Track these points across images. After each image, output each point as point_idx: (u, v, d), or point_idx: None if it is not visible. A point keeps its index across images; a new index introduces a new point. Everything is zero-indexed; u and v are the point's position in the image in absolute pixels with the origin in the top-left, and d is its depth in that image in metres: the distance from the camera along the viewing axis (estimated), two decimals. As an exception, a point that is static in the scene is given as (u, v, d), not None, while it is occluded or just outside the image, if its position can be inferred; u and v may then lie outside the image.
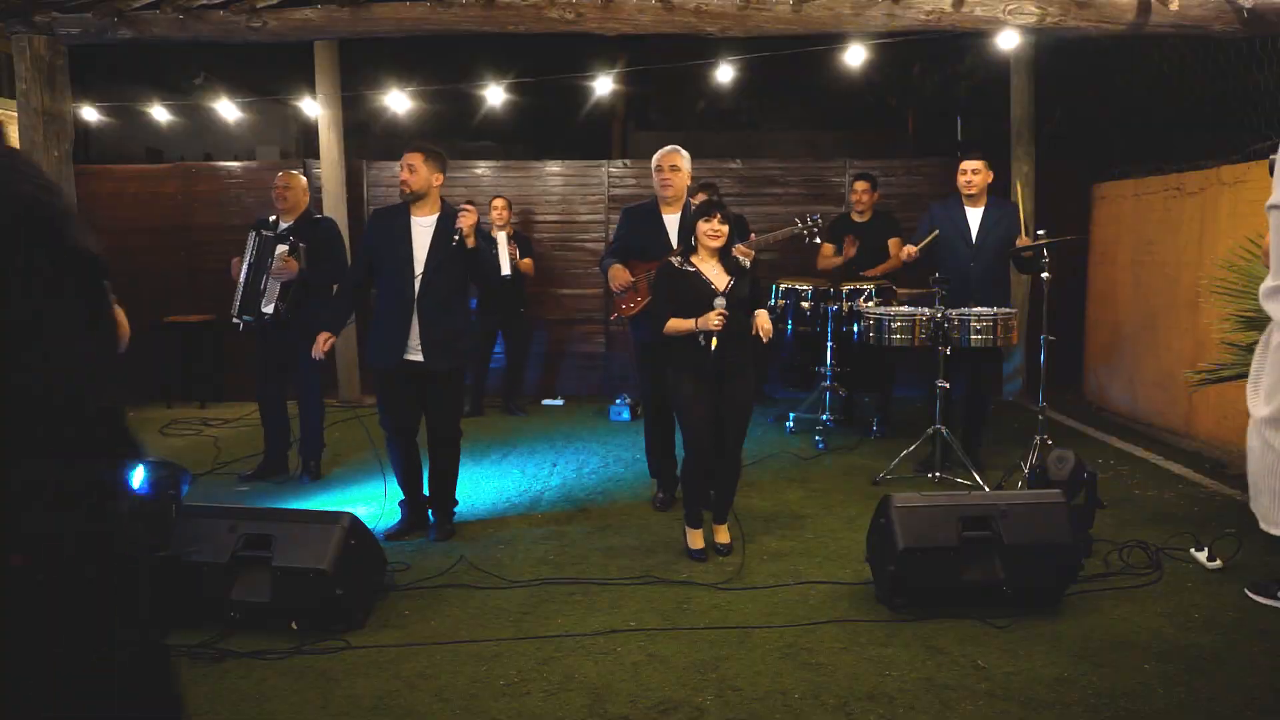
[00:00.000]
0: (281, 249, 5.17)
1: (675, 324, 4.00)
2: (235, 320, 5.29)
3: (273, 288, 5.19)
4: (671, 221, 4.70)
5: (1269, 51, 5.73)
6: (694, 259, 4.09)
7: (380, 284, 4.36)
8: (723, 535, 4.26)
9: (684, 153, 4.68)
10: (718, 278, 4.05)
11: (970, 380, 5.48)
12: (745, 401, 4.12)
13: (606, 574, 3.99)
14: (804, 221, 5.35)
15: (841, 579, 3.90)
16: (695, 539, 4.19)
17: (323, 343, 4.33)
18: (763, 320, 4.06)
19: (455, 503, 4.61)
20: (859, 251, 6.59)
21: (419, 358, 4.29)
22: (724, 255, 4.09)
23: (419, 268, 4.27)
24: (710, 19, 4.16)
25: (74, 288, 1.25)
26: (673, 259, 4.14)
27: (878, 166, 8.18)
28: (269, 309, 5.19)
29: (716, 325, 3.85)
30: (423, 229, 4.29)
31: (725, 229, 4.01)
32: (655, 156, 4.68)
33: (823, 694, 2.94)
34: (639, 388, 5.00)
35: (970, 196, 5.36)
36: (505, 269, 7.00)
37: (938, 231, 5.31)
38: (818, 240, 5.47)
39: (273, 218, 5.41)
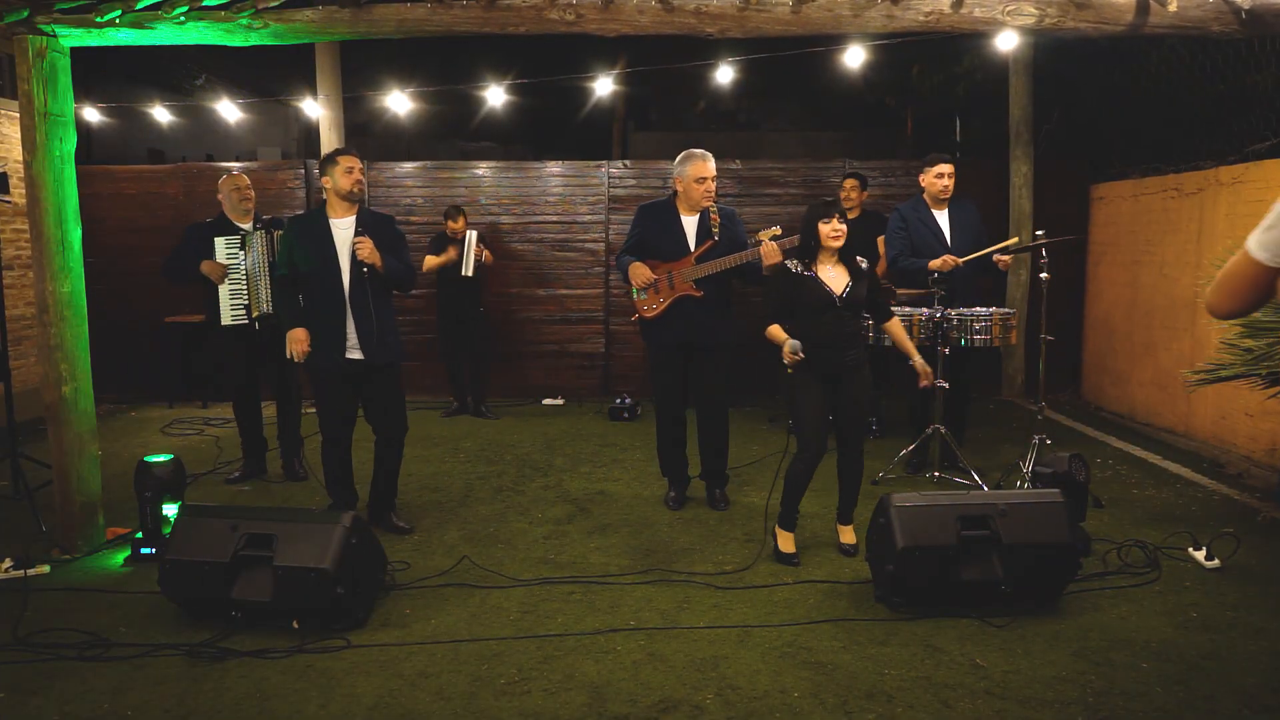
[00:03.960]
0: None
1: (774, 333, 4.02)
2: (245, 320, 5.25)
3: None
4: (690, 223, 4.72)
5: (1267, 52, 5.75)
6: (814, 263, 4.06)
7: (309, 285, 4.37)
8: (848, 535, 4.25)
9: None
10: (836, 280, 4.04)
11: (952, 378, 5.49)
12: (860, 400, 4.11)
13: (606, 574, 4.01)
14: None
15: (841, 578, 3.91)
16: (787, 542, 4.16)
17: (306, 340, 4.33)
18: (920, 364, 4.17)
19: (396, 493, 4.73)
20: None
21: (359, 355, 4.35)
22: (844, 256, 4.09)
23: (345, 266, 4.32)
24: (709, 20, 4.17)
25: None
26: (788, 262, 4.12)
27: (877, 166, 8.20)
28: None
29: (786, 361, 3.92)
30: (342, 230, 4.35)
31: (845, 229, 4.02)
32: (701, 165, 4.62)
33: (822, 693, 2.95)
34: (652, 391, 5.00)
35: (940, 200, 5.40)
36: (469, 269, 7.11)
37: (1018, 239, 5.29)
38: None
39: (209, 219, 5.41)
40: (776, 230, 4.51)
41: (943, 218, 5.42)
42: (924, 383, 4.24)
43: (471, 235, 7.15)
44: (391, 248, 4.41)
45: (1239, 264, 1.83)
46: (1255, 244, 1.79)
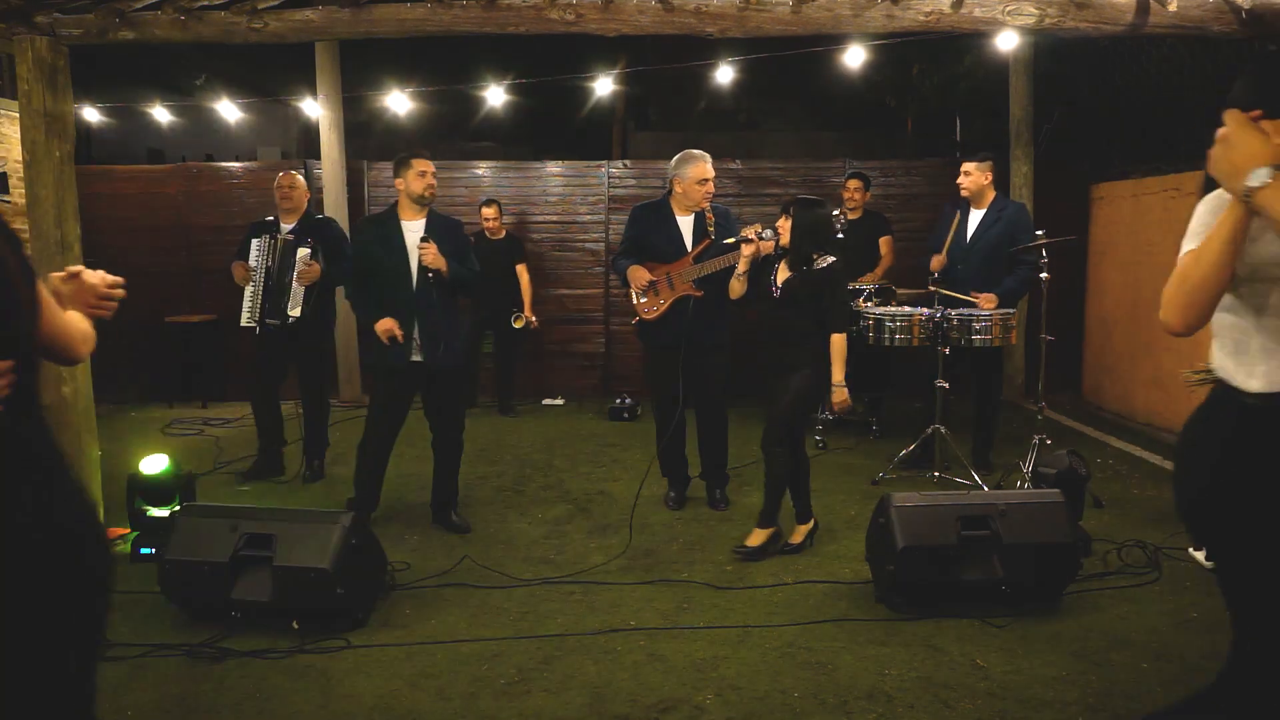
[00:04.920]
0: (304, 252, 5.22)
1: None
2: (253, 324, 5.27)
3: (297, 291, 5.23)
4: (686, 223, 4.74)
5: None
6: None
7: (381, 285, 4.41)
8: (755, 538, 4.21)
9: None
10: (782, 274, 4.14)
11: (977, 383, 5.50)
12: (782, 403, 4.07)
13: (606, 574, 4.00)
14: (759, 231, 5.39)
15: (841, 578, 3.91)
16: (754, 537, 4.21)
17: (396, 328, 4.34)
18: (837, 394, 4.01)
19: (458, 492, 4.74)
20: (850, 251, 6.60)
21: (420, 358, 4.41)
22: (795, 251, 4.10)
23: (414, 269, 4.39)
24: (710, 20, 4.16)
25: None
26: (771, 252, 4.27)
27: (877, 167, 8.20)
28: (295, 312, 5.23)
29: (749, 234, 4.19)
30: (413, 234, 4.41)
31: (786, 225, 4.09)
32: (703, 167, 4.64)
33: (822, 693, 2.95)
34: (650, 392, 5.01)
35: (966, 198, 5.38)
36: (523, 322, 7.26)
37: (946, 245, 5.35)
38: (839, 235, 5.46)
39: (270, 218, 5.43)
40: (758, 227, 4.52)
41: (974, 216, 5.38)
42: (836, 410, 4.10)
43: (521, 319, 7.29)
44: (458, 253, 4.44)
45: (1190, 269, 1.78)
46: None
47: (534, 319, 7.41)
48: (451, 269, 4.37)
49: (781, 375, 4.10)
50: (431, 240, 4.31)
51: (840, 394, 4.02)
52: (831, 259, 4.08)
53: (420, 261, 4.32)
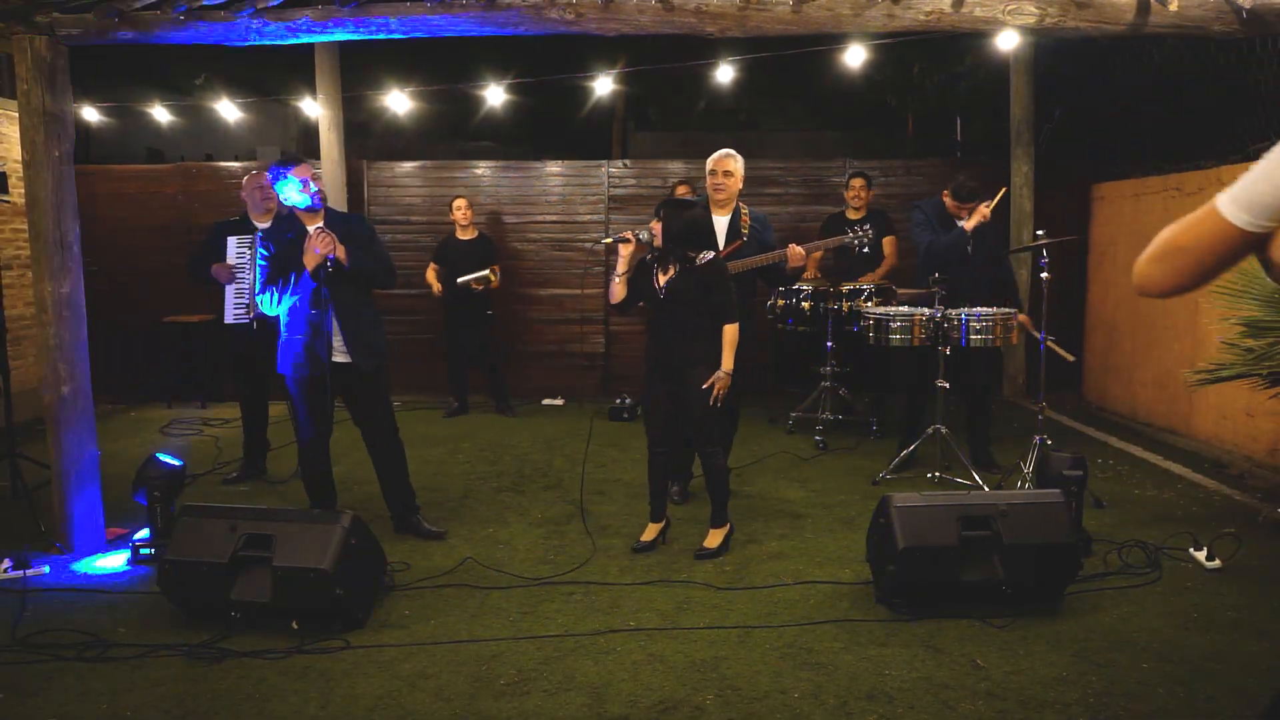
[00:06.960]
0: None
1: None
2: (249, 319, 5.26)
3: None
4: (720, 223, 4.78)
5: (1268, 51, 5.74)
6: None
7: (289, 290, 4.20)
8: (710, 539, 4.24)
9: (738, 157, 4.78)
10: (661, 275, 4.16)
11: (969, 380, 5.50)
12: (697, 401, 4.09)
13: (606, 574, 4.00)
14: (855, 233, 5.41)
15: (841, 579, 3.90)
16: (647, 532, 4.31)
17: None
18: (721, 380, 4.05)
19: (414, 494, 4.60)
20: (855, 251, 6.60)
21: (344, 359, 4.26)
22: (668, 253, 4.13)
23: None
24: (710, 19, 4.16)
25: None
26: (649, 255, 4.24)
27: (877, 166, 8.19)
28: None
29: (627, 235, 4.16)
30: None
31: (658, 227, 4.10)
32: (710, 160, 4.78)
33: (822, 694, 2.94)
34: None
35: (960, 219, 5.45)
36: (462, 280, 7.11)
37: (1006, 189, 5.34)
38: (865, 250, 5.53)
39: (235, 218, 5.45)
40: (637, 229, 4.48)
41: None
42: (715, 394, 4.09)
43: (486, 275, 7.09)
44: (360, 244, 4.24)
45: (1200, 228, 1.39)
46: (1230, 202, 1.37)
47: (494, 279, 7.17)
48: (353, 256, 4.16)
49: (681, 372, 4.11)
50: (329, 232, 4.12)
51: (724, 381, 4.08)
52: (711, 254, 4.15)
53: (319, 249, 4.06)
